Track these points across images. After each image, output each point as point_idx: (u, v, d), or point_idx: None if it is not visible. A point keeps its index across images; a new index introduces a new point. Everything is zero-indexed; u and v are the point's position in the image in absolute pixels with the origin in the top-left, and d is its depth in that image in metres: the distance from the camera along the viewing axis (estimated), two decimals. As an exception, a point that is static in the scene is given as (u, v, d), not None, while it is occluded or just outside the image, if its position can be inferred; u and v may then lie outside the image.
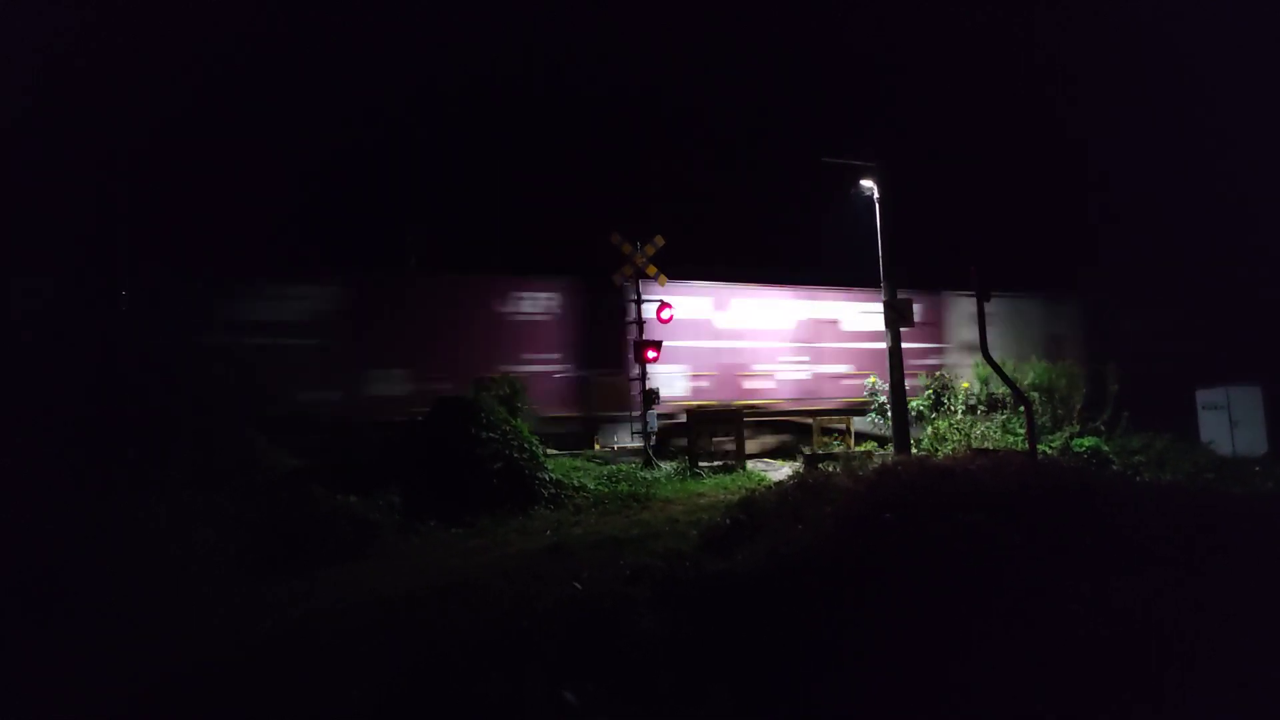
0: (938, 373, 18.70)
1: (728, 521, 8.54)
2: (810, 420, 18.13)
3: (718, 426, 15.62)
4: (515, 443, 12.28)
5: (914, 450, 14.44)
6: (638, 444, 16.06)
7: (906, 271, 15.50)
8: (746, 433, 16.02)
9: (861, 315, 19.51)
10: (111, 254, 13.59)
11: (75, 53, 14.23)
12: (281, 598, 7.59)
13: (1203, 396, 17.76)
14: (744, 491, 10.85)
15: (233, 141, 21.18)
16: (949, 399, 17.44)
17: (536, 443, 12.74)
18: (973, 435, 15.65)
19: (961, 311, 20.22)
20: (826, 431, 18.11)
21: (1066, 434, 16.09)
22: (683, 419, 16.32)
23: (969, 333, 19.09)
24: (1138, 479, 11.63)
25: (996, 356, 13.03)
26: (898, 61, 37.53)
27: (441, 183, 25.69)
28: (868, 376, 18.93)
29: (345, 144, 25.39)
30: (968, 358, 19.73)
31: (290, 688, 5.22)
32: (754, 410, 18.04)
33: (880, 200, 14.92)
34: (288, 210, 20.69)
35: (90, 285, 13.26)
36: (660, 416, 16.31)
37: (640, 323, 16.03)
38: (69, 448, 9.92)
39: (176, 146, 18.58)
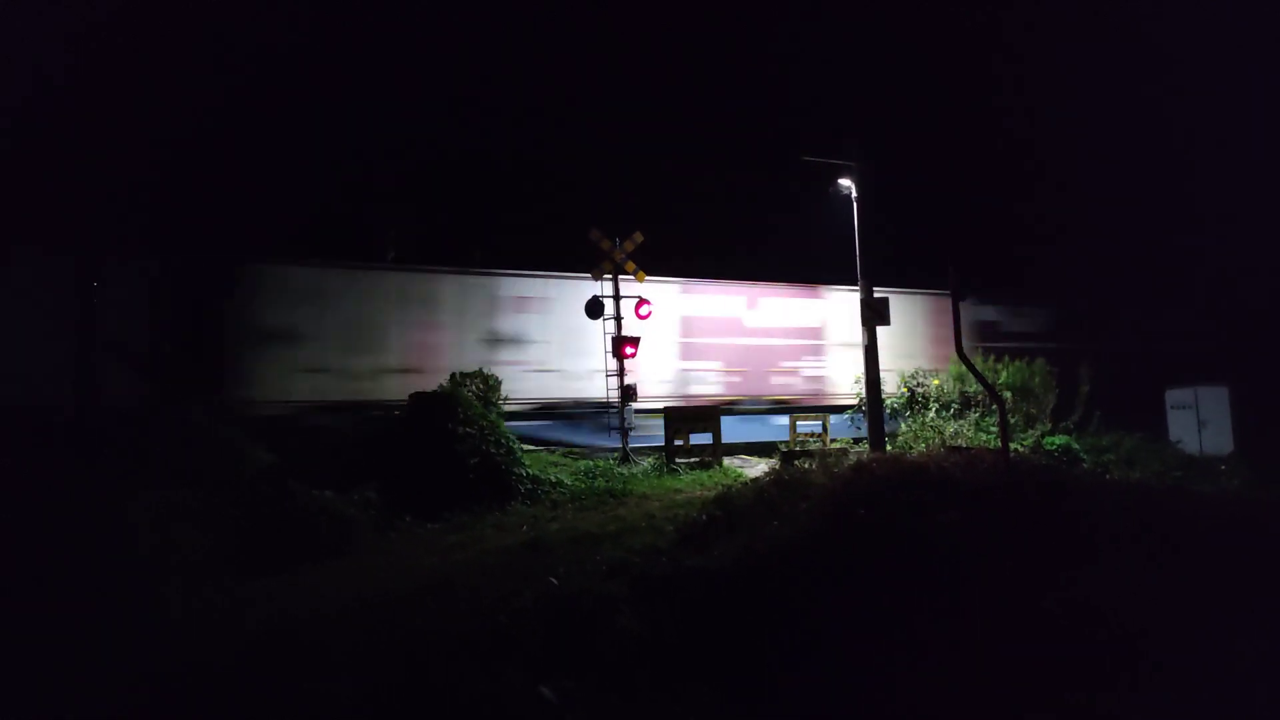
0: (914, 370, 18.83)
1: (704, 518, 8.55)
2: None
3: (695, 423, 15.63)
4: (492, 438, 12.22)
5: (889, 447, 14.58)
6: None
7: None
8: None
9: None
10: (86, 241, 13.34)
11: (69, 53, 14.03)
12: (262, 595, 7.55)
13: (1172, 397, 18.07)
14: (721, 488, 10.88)
15: (210, 134, 20.82)
16: (923, 397, 17.60)
17: (513, 438, 12.71)
18: (946, 433, 15.82)
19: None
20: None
21: (1039, 432, 16.30)
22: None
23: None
24: (1107, 477, 11.82)
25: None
26: (885, 63, 37.67)
27: (420, 176, 25.34)
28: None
29: (323, 137, 25.09)
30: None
31: (272, 686, 5.20)
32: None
33: (858, 199, 15.01)
34: (265, 199, 20.45)
35: (64, 273, 12.95)
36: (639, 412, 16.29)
37: (619, 319, 16.00)
38: (44, 442, 9.78)
39: (151, 137, 18.27)
